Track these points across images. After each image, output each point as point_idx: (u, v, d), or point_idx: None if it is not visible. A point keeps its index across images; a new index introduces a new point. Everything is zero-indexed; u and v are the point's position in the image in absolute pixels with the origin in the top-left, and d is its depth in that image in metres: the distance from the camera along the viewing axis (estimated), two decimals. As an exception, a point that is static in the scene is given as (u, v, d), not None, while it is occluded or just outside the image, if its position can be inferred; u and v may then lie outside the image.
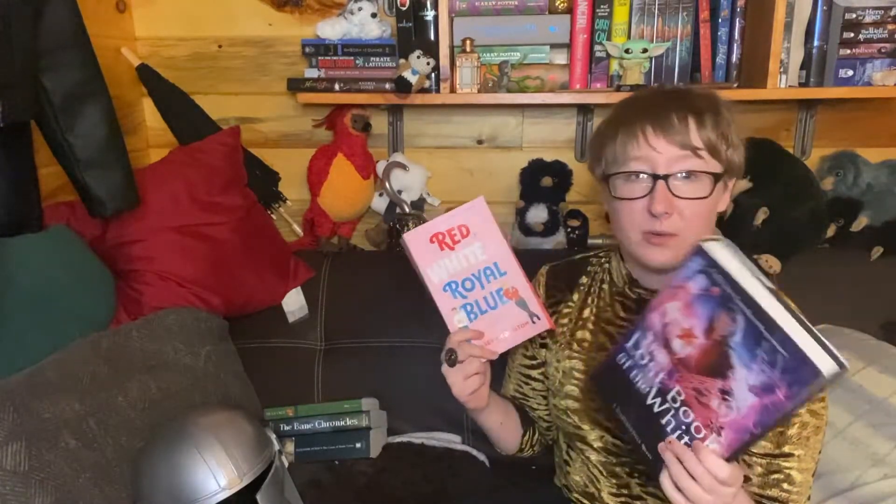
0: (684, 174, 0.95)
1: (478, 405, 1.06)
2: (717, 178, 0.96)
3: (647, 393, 0.85)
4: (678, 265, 0.98)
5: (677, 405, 0.81)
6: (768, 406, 0.72)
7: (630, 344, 0.88)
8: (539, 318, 1.02)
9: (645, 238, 0.98)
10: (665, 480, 0.81)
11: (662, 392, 0.83)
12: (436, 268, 0.98)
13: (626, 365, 0.88)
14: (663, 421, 0.82)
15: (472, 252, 0.99)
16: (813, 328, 0.70)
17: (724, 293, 0.76)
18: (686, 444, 0.80)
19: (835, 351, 0.69)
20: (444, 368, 1.00)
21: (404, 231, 1.69)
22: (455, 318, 1.00)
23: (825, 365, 0.68)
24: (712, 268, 0.78)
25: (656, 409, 0.83)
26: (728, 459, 0.77)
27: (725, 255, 0.79)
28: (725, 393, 0.76)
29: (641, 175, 0.96)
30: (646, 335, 0.86)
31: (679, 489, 0.79)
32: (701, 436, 0.78)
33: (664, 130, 0.95)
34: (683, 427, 0.80)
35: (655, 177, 0.95)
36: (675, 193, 0.95)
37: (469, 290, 0.99)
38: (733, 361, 0.75)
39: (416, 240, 0.98)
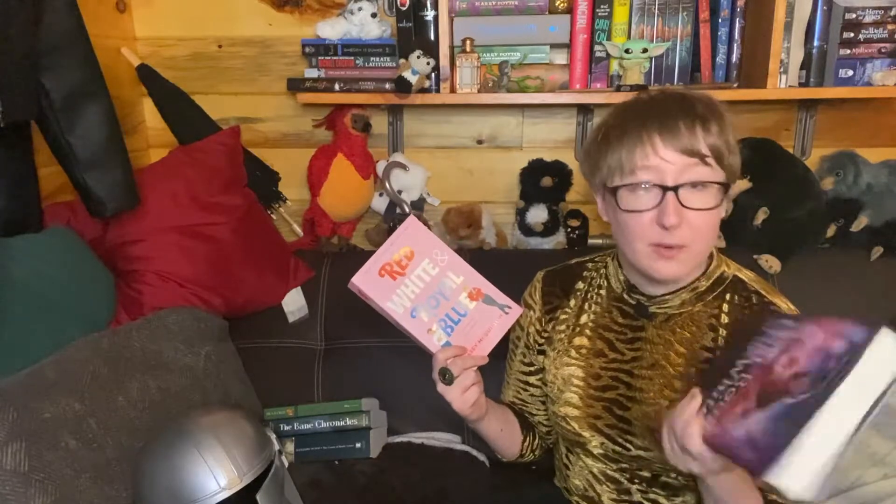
0: (693, 184, 0.93)
1: (479, 415, 1.05)
2: (726, 187, 0.95)
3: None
4: (687, 275, 1.01)
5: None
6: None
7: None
8: (510, 308, 1.01)
9: (654, 251, 0.96)
10: None
11: None
12: (396, 299, 0.98)
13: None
14: None
15: (424, 270, 0.99)
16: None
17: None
18: None
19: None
20: (441, 388, 0.99)
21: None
22: (434, 339, 0.99)
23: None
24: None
25: None
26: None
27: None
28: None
29: (650, 186, 0.94)
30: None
31: None
32: None
33: (673, 138, 0.92)
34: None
35: (665, 188, 0.93)
36: (684, 204, 0.93)
37: (435, 307, 0.99)
38: None
39: (366, 280, 0.98)
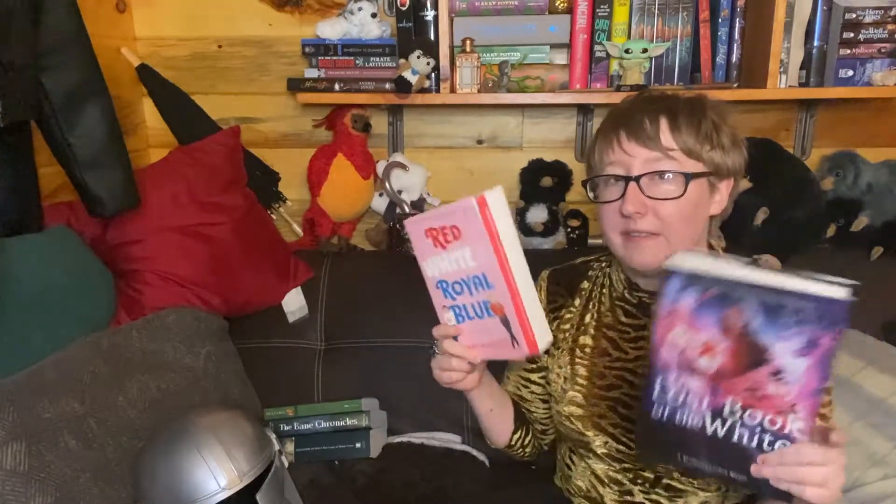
0: (655, 174, 0.96)
1: (462, 389, 1.02)
2: (689, 177, 0.96)
3: (702, 425, 0.79)
4: (661, 267, 0.98)
5: (738, 415, 0.77)
6: (822, 357, 0.72)
7: (656, 394, 0.81)
8: (518, 344, 0.90)
9: (625, 239, 1.00)
10: (785, 485, 0.75)
11: (717, 413, 0.78)
12: (430, 263, 0.93)
13: (666, 415, 0.82)
14: (735, 438, 0.78)
15: (462, 256, 0.90)
16: (804, 273, 0.72)
17: (720, 291, 0.75)
18: (770, 442, 0.76)
19: (833, 279, 0.71)
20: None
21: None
22: (445, 317, 0.97)
23: (843, 293, 0.70)
24: (692, 278, 0.76)
25: (721, 433, 0.78)
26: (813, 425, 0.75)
27: (693, 259, 0.78)
28: (777, 373, 0.74)
29: (616, 179, 0.99)
30: (667, 374, 0.80)
31: (808, 484, 0.75)
32: (777, 426, 0.75)
33: (636, 134, 0.97)
34: (758, 429, 0.76)
35: (627, 179, 0.97)
36: (647, 194, 0.96)
37: (458, 293, 0.93)
38: (765, 342, 0.73)
39: (413, 230, 0.94)
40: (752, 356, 0.75)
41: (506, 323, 0.90)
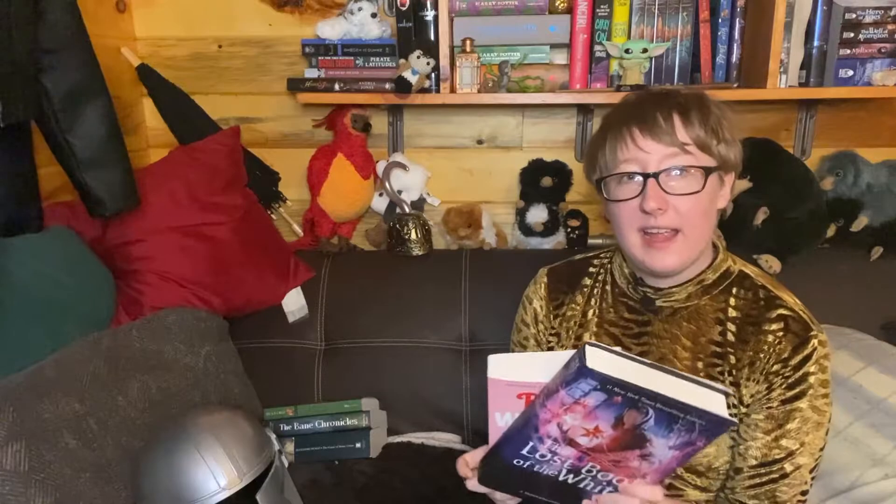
0: (675, 170, 0.96)
1: None
2: (708, 171, 0.96)
3: (556, 475, 0.83)
4: (684, 268, 1.00)
5: (593, 473, 0.82)
6: (689, 452, 0.77)
7: (525, 451, 0.82)
8: None
9: (645, 242, 0.99)
10: None
11: (574, 470, 0.82)
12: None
13: (525, 465, 0.83)
14: (581, 485, 0.84)
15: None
16: (691, 376, 0.76)
17: (627, 398, 0.74)
18: (610, 492, 0.81)
19: (713, 384, 0.76)
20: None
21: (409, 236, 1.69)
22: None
23: (725, 409, 0.75)
24: (606, 383, 0.74)
25: (571, 482, 0.83)
26: None
27: (609, 362, 0.76)
28: (645, 456, 0.78)
29: (633, 175, 0.98)
30: (542, 442, 0.80)
31: None
32: (623, 484, 0.81)
33: (651, 130, 0.96)
34: (605, 483, 0.82)
35: (646, 175, 0.96)
36: (666, 190, 0.96)
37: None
38: (649, 437, 0.76)
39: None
40: (631, 444, 0.78)
41: None
